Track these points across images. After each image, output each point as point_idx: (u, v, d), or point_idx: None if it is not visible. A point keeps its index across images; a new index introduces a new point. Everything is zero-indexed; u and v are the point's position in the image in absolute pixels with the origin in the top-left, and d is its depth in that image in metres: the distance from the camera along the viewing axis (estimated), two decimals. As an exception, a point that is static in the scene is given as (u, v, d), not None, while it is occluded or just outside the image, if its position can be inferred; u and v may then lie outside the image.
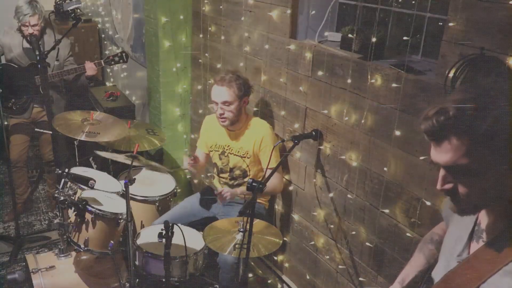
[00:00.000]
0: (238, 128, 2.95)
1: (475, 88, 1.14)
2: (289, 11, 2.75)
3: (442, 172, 1.16)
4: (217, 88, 2.85)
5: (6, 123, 3.63)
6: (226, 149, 3.00)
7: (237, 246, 2.39)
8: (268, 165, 2.57)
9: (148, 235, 2.79)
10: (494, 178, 1.09)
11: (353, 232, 2.54)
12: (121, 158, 2.68)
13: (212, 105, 3.00)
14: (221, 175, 3.08)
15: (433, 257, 1.47)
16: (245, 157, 2.93)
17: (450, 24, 1.86)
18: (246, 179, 2.90)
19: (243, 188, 2.82)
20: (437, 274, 1.33)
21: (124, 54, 3.75)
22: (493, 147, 1.06)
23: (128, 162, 2.57)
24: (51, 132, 3.12)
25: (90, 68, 3.68)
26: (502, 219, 1.18)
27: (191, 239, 2.71)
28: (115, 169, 3.56)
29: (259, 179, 2.29)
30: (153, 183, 3.34)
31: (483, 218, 1.24)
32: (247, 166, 2.95)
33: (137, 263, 2.67)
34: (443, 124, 1.09)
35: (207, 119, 3.20)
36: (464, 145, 1.08)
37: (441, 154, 1.12)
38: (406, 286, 1.58)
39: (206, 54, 3.72)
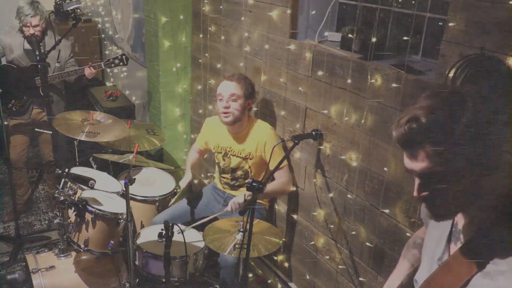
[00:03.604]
0: (240, 130, 2.93)
1: (445, 94, 1.11)
2: (289, 11, 2.75)
3: (417, 180, 1.14)
4: (226, 83, 2.85)
5: (6, 123, 3.62)
6: (229, 151, 2.99)
7: (237, 246, 2.40)
8: (268, 166, 2.56)
9: (148, 235, 2.80)
10: (469, 182, 1.08)
11: (353, 232, 2.54)
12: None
13: (212, 107, 3.00)
14: (222, 175, 3.08)
15: (418, 261, 1.46)
16: (247, 158, 2.93)
17: (450, 24, 1.86)
18: (247, 180, 2.89)
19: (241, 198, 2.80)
20: (421, 278, 1.32)
21: (124, 56, 3.73)
22: (467, 152, 1.04)
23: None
24: (51, 132, 3.12)
25: (90, 73, 3.68)
26: (477, 219, 1.16)
27: (191, 239, 2.71)
28: (115, 169, 3.56)
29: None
30: (153, 183, 3.35)
31: (460, 219, 1.23)
32: (249, 167, 2.94)
33: (137, 263, 2.68)
34: (416, 132, 1.06)
35: (208, 121, 3.18)
36: (438, 153, 1.05)
37: (416, 163, 1.10)
38: None
39: (206, 54, 3.72)
